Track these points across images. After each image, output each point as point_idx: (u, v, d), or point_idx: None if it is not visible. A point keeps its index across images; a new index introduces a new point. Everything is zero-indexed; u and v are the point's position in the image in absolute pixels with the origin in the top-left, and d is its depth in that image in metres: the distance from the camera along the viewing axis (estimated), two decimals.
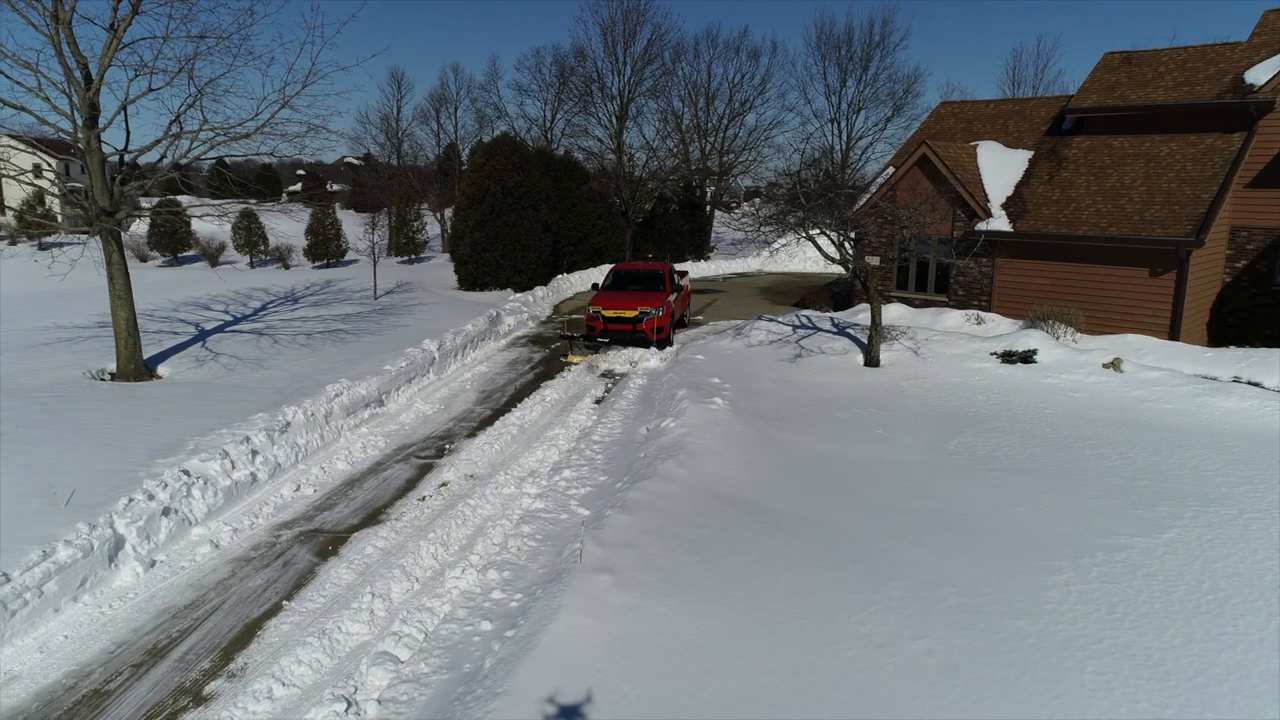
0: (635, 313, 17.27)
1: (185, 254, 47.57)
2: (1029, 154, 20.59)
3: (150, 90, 11.99)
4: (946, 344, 15.50)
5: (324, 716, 5.69)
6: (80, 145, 12.14)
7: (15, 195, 47.15)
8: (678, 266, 22.99)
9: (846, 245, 15.83)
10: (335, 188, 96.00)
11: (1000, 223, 18.95)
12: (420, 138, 57.67)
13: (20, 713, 5.91)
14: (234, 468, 9.58)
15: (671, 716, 5.38)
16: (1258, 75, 17.88)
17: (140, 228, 51.49)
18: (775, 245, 18.49)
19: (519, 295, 24.43)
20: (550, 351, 18.51)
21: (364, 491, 9.94)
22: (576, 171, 33.01)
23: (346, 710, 5.76)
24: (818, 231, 15.05)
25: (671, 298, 18.51)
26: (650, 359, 16.77)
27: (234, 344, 15.87)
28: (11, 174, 12.29)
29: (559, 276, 28.82)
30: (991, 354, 14.60)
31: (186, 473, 9.05)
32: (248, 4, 17.57)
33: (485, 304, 22.56)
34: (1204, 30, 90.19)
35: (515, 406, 13.59)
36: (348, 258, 45.94)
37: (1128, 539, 7.97)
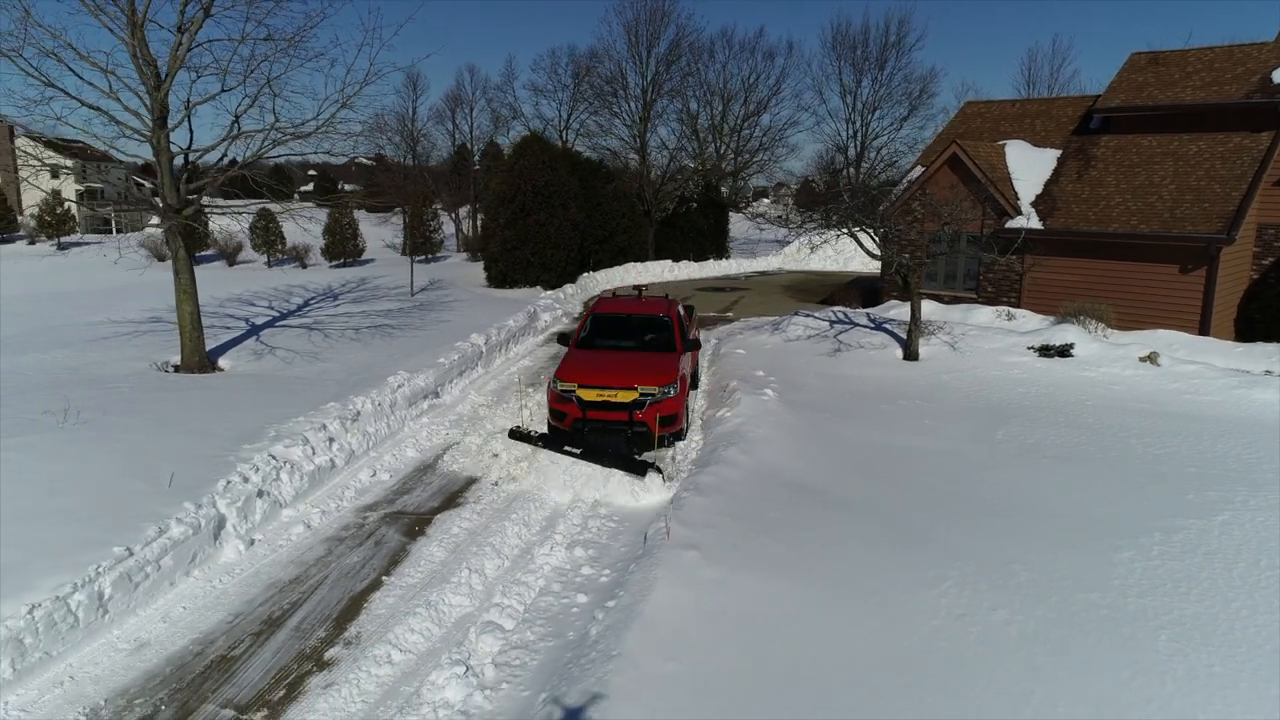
0: (633, 394, 10.83)
1: (203, 253, 48.17)
2: (1057, 153, 20.91)
3: (223, 90, 12.46)
4: (982, 338, 15.84)
5: (446, 678, 6.08)
6: (151, 144, 12.57)
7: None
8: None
9: (882, 244, 16.18)
10: (348, 188, 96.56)
11: (1030, 220, 19.28)
12: (436, 137, 58.07)
13: (155, 676, 6.31)
14: (314, 453, 9.99)
15: (775, 679, 5.75)
16: None
17: (158, 227, 52.20)
18: (818, 242, 18.59)
19: (550, 293, 24.84)
20: None
21: (438, 477, 10.33)
22: (601, 171, 33.47)
23: (465, 673, 6.15)
24: (858, 229, 15.42)
25: (685, 362, 12.19)
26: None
27: (286, 338, 16.31)
28: (80, 171, 12.69)
29: (585, 274, 29.24)
30: (1029, 348, 14.94)
31: (273, 457, 9.47)
32: (314, 7, 18.01)
33: (518, 301, 22.98)
34: (1221, 29, 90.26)
35: None
36: (364, 257, 46.51)
37: (1184, 521, 8.31)
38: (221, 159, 13.83)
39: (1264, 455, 10.18)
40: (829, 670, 5.87)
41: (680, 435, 11.39)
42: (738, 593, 6.88)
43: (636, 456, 10.21)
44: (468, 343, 15.69)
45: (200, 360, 13.68)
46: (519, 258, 26.81)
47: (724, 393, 12.91)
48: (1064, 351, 14.60)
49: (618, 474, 9.73)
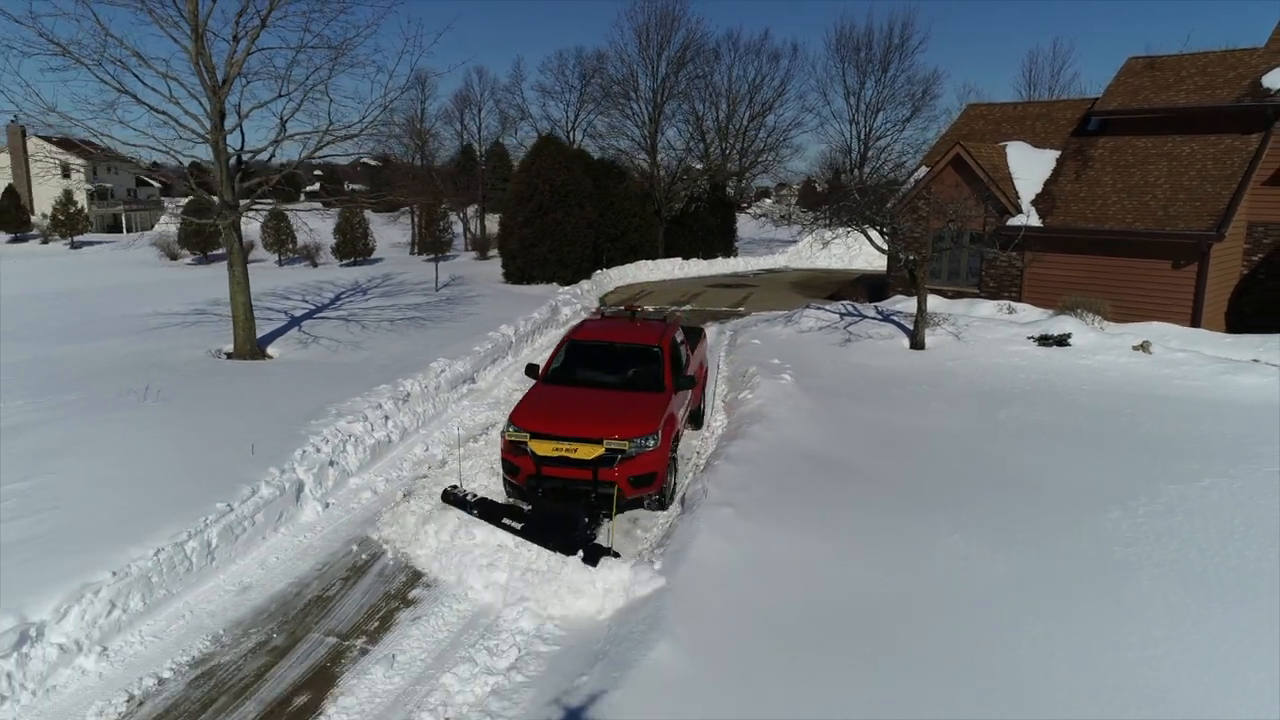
0: (598, 449, 8.74)
1: (214, 252, 49.12)
2: (1056, 154, 21.79)
3: (279, 96, 13.39)
4: (985, 329, 16.73)
5: (517, 613, 6.99)
6: (211, 145, 13.50)
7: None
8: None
9: (890, 240, 17.09)
10: (354, 187, 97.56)
11: (1030, 218, 20.16)
12: (444, 138, 58.99)
13: (262, 611, 7.23)
14: (373, 429, 10.90)
15: (806, 610, 6.66)
16: (1275, 80, 19.05)
17: (168, 226, 53.55)
18: (829, 238, 19.42)
19: (566, 288, 25.75)
20: None
21: (489, 450, 11.22)
22: (613, 171, 34.44)
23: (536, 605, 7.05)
24: (868, 226, 16.32)
25: (677, 402, 10.14)
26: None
27: (327, 329, 17.24)
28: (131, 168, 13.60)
29: (599, 272, 30.17)
30: (1029, 338, 15.83)
31: (338, 431, 10.37)
32: (362, 18, 19.10)
33: (537, 296, 23.90)
34: (1220, 30, 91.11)
35: None
36: (373, 256, 47.50)
37: (1167, 486, 9.19)
38: (270, 159, 14.74)
39: (1245, 431, 11.06)
40: (857, 604, 6.78)
41: (662, 498, 9.09)
42: (769, 543, 7.78)
43: (600, 527, 8.47)
44: (498, 333, 16.62)
45: (252, 348, 14.60)
46: (536, 254, 27.76)
47: (744, 378, 13.83)
48: (1062, 341, 15.48)
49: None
